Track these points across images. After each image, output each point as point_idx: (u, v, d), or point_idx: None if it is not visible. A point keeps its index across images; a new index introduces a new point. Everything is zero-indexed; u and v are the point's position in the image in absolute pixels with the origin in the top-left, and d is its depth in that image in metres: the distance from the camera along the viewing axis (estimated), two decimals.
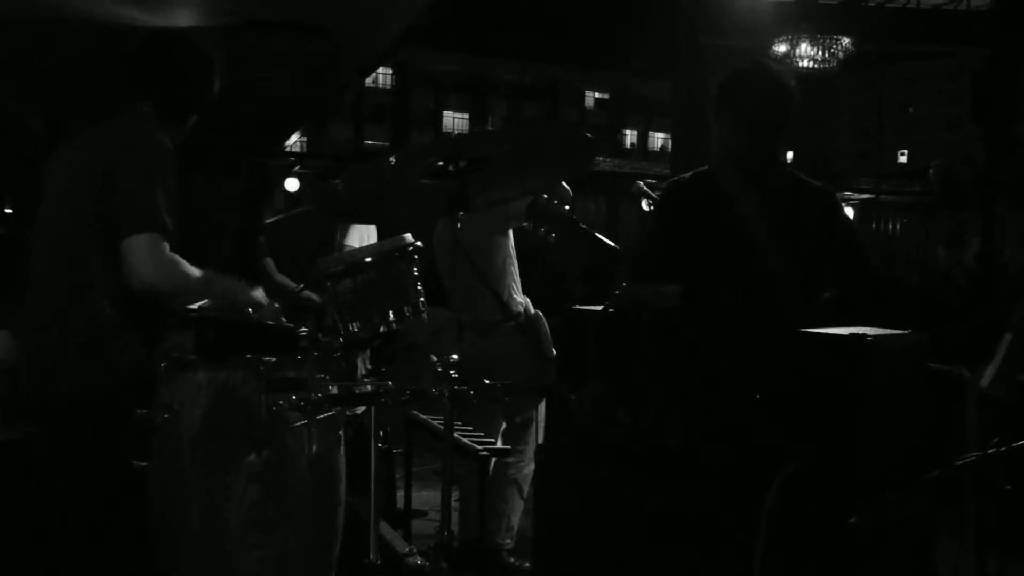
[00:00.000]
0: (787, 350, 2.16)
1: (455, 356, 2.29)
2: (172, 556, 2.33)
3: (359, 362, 4.43)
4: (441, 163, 2.22)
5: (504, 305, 4.14)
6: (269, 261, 5.52)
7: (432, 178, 2.27)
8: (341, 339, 2.44)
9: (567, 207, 3.65)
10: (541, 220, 4.04)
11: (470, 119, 41.58)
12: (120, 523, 2.40)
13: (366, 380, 2.49)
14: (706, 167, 3.02)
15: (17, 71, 6.19)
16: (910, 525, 2.14)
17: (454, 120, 42.03)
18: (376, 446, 2.47)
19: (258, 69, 6.79)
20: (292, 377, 2.31)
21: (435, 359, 2.28)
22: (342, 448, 2.49)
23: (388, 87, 41.86)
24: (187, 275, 2.55)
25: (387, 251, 2.65)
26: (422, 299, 2.65)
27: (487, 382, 2.35)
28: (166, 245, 2.51)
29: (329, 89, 8.11)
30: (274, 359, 2.35)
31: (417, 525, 4.26)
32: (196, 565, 2.31)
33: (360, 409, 3.20)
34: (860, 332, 2.05)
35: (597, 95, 46.09)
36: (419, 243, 2.68)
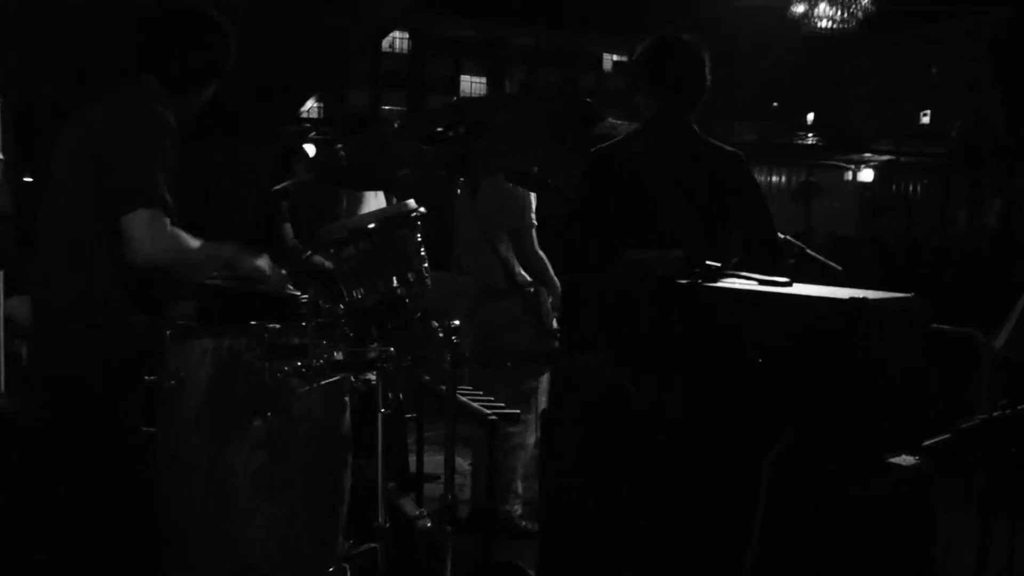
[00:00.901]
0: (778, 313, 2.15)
1: (457, 322, 2.30)
2: (178, 521, 2.36)
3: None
4: (440, 129, 2.21)
5: (511, 273, 4.16)
6: (288, 227, 5.54)
7: (432, 144, 2.27)
8: (342, 306, 2.45)
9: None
10: (523, 184, 4.13)
11: (487, 84, 41.32)
12: (125, 492, 2.43)
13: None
14: (626, 134, 3.18)
15: (30, 38, 6.18)
16: (911, 492, 2.13)
17: (471, 85, 41.73)
18: (381, 411, 2.47)
19: (269, 35, 6.76)
20: (295, 343, 2.33)
21: (436, 324, 2.29)
22: (347, 413, 2.51)
23: (405, 52, 41.63)
24: (189, 249, 2.53)
25: (390, 217, 2.65)
26: (426, 265, 2.64)
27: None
28: (167, 220, 2.49)
29: (342, 56, 8.07)
30: (278, 326, 2.36)
31: (429, 489, 4.30)
32: (202, 530, 2.34)
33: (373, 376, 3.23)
34: (860, 295, 2.03)
35: (615, 58, 45.65)
36: (422, 209, 2.67)
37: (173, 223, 2.51)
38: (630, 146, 3.21)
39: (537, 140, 2.53)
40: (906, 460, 2.14)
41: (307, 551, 2.42)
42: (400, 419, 4.17)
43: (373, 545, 2.65)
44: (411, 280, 2.61)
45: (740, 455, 2.13)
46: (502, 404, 3.53)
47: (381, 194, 4.98)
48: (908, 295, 2.15)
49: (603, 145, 3.27)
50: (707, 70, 3.21)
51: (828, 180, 18.28)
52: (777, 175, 19.16)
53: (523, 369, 4.24)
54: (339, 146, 2.60)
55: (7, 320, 3.42)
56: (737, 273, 2.39)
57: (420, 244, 2.65)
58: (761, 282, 2.30)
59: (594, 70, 44.09)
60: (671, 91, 3.16)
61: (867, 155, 16.57)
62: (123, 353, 2.49)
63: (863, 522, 2.02)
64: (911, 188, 16.28)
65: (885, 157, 16.41)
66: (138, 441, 2.36)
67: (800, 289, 2.22)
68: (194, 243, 2.54)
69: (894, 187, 16.38)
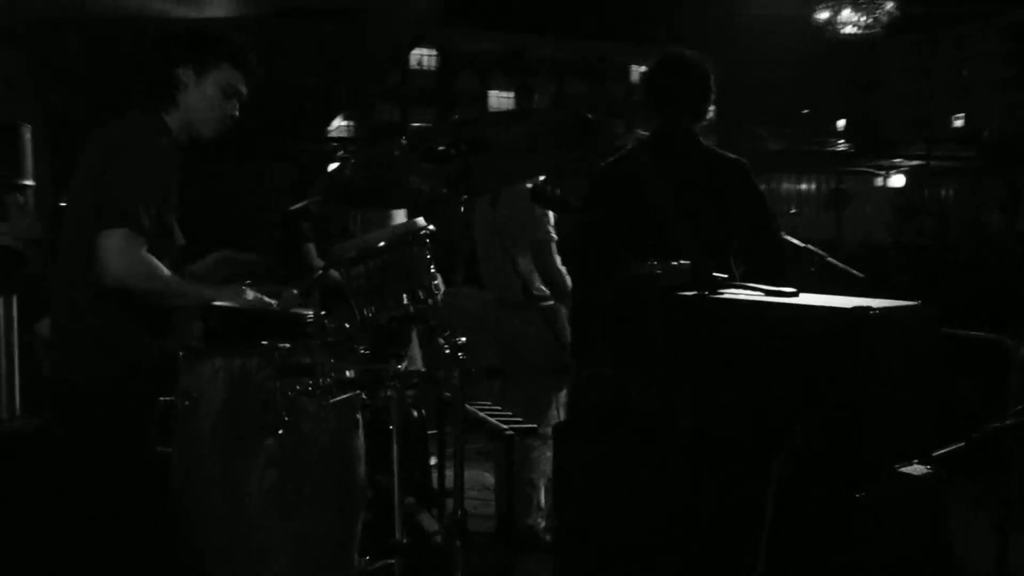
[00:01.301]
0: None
1: (463, 339, 2.31)
2: (193, 539, 2.39)
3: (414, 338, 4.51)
4: (443, 147, 2.23)
5: (528, 286, 4.18)
6: (311, 247, 5.58)
7: (435, 162, 2.29)
8: (348, 324, 2.47)
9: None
10: (543, 203, 4.16)
11: (516, 98, 41.45)
12: (139, 506, 2.46)
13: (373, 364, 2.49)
14: (629, 148, 3.29)
15: (62, 64, 6.30)
16: (921, 501, 2.11)
17: (499, 100, 41.90)
18: (390, 427, 2.49)
19: (291, 57, 6.86)
20: (305, 363, 2.35)
21: (442, 341, 2.30)
22: (360, 430, 2.53)
23: (433, 69, 41.90)
24: (159, 278, 2.55)
25: (399, 235, 2.67)
26: (436, 282, 2.66)
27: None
28: (141, 243, 2.52)
29: (363, 74, 8.16)
30: (288, 345, 2.39)
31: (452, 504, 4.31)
32: (217, 547, 2.37)
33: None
34: (864, 304, 2.03)
35: (643, 69, 45.52)
36: (431, 227, 2.70)
37: (151, 249, 2.53)
38: (632, 160, 3.30)
39: (539, 155, 2.55)
40: (916, 469, 2.12)
41: (321, 567, 2.44)
42: (422, 435, 4.19)
43: (390, 561, 2.67)
44: (421, 297, 2.63)
45: (747, 466, 2.12)
46: (520, 419, 3.55)
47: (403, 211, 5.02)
48: (915, 303, 2.14)
49: (608, 160, 3.35)
50: (710, 83, 3.31)
51: (859, 186, 18.13)
52: (807, 183, 19.04)
53: (543, 381, 4.26)
54: (351, 162, 2.63)
55: (41, 340, 3.48)
56: (744, 284, 2.39)
57: (430, 261, 2.67)
58: (767, 293, 2.30)
59: (622, 81, 44.10)
60: (668, 105, 3.28)
61: (897, 160, 16.43)
62: (125, 364, 2.53)
63: (871, 533, 2.01)
64: (943, 192, 16.10)
65: (915, 162, 16.26)
66: (150, 457, 2.39)
67: (805, 299, 2.21)
68: (165, 275, 2.57)
69: (925, 192, 16.22)
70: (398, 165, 2.51)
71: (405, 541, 2.71)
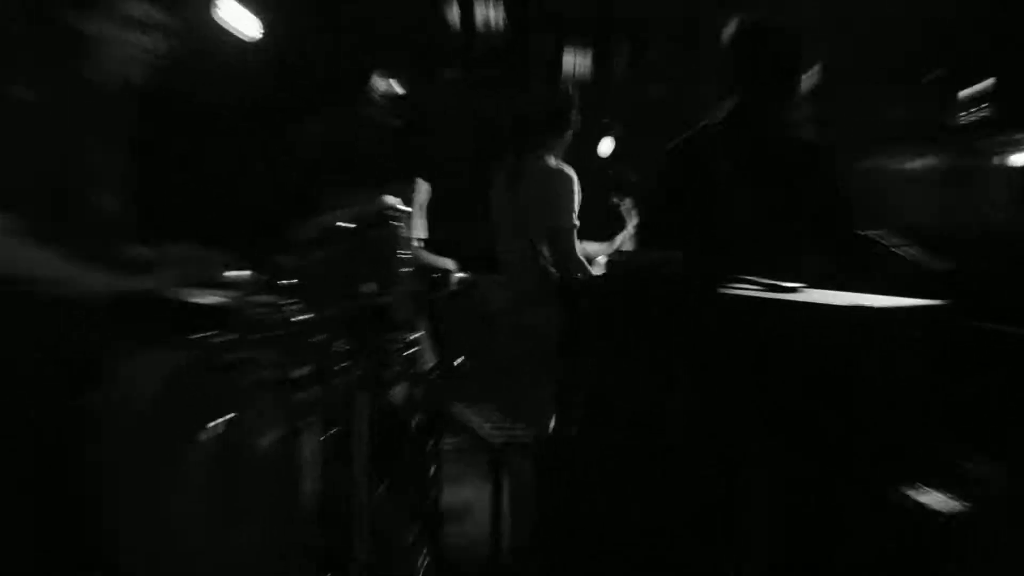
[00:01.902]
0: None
1: (421, 332, 2.32)
2: (120, 537, 2.43)
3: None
4: (397, 123, 2.25)
5: (546, 276, 4.16)
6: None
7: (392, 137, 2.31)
8: (275, 317, 2.49)
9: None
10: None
11: (592, 61, 41.39)
12: (51, 503, 2.50)
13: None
14: (700, 126, 3.24)
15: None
16: (919, 519, 2.07)
17: (575, 63, 41.88)
18: (357, 431, 2.51)
19: (322, 19, 6.99)
20: (241, 358, 2.38)
21: (398, 339, 2.32)
22: (307, 434, 2.55)
23: (502, 29, 41.97)
24: (27, 260, 2.45)
25: (365, 216, 2.69)
26: (403, 268, 2.68)
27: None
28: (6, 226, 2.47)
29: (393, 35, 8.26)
30: (228, 338, 2.42)
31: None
32: (139, 552, 2.41)
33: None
34: (866, 303, 1.99)
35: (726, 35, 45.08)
36: (402, 207, 2.71)
37: (55, 229, 2.52)
38: (701, 138, 3.23)
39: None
40: (920, 488, 2.08)
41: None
42: (421, 445, 4.22)
43: None
44: (386, 286, 2.65)
45: (732, 469, 2.12)
46: (514, 428, 3.56)
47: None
48: (932, 303, 2.09)
49: (677, 140, 3.28)
50: (798, 55, 3.18)
51: (983, 162, 17.70)
52: (925, 158, 18.62)
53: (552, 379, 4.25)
54: (311, 130, 2.65)
55: None
56: (743, 277, 2.36)
57: (397, 245, 2.69)
58: (765, 288, 2.26)
59: (713, 46, 43.69)
60: (748, 81, 3.17)
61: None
62: (30, 361, 2.57)
63: (865, 541, 1.99)
64: None
65: None
66: (70, 452, 2.43)
67: (805, 296, 2.17)
68: (34, 257, 2.47)
69: None
70: (359, 131, 2.52)
71: (364, 558, 2.74)
